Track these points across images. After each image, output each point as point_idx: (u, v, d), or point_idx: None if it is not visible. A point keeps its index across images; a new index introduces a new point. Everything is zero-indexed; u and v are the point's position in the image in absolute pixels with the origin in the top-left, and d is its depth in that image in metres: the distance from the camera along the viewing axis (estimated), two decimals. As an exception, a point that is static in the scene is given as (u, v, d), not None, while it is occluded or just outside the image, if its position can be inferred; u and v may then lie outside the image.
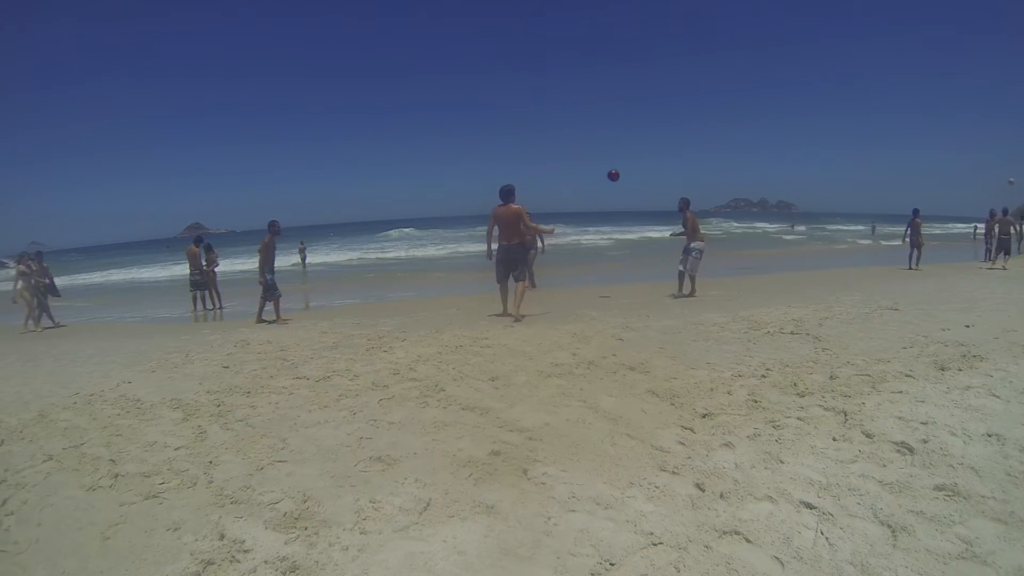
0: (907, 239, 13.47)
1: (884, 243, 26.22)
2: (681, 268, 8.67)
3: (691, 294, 8.46)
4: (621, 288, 10.41)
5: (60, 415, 3.58)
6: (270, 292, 8.14)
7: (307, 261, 21.47)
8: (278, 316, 8.04)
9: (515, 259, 6.80)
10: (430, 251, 27.39)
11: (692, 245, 8.63)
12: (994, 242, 13.84)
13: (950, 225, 47.09)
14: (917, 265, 13.03)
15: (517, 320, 6.40)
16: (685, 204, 8.85)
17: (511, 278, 6.87)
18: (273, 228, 8.26)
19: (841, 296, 7.45)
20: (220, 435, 3.05)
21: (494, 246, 6.87)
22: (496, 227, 6.80)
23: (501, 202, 6.73)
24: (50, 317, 9.77)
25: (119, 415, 3.52)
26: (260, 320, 8.06)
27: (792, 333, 4.98)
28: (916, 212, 13.31)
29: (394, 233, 47.01)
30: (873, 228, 38.08)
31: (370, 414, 3.25)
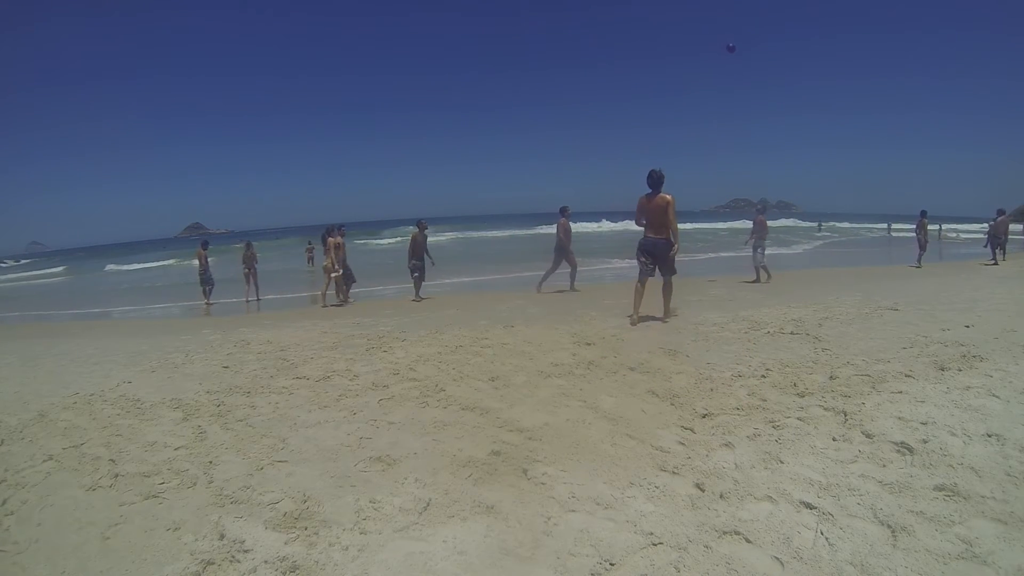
0: (919, 238, 14.01)
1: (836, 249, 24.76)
2: (763, 263, 10.47)
3: (755, 281, 10.26)
4: (621, 287, 10.39)
5: (60, 415, 3.58)
6: (411, 273, 9.98)
7: (315, 262, 21.40)
8: (416, 295, 9.83)
9: (661, 254, 6.13)
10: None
11: (763, 243, 10.56)
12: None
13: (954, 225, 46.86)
14: (918, 263, 13.69)
15: (664, 321, 5.99)
16: (762, 208, 11.04)
17: (656, 274, 6.26)
18: (419, 226, 10.05)
19: (841, 296, 7.45)
20: (220, 435, 3.05)
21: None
22: (643, 220, 6.20)
23: (649, 191, 6.06)
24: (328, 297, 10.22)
25: (119, 415, 3.52)
26: (417, 298, 9.71)
27: (792, 333, 4.98)
28: (923, 213, 14.15)
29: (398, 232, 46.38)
30: (819, 226, 39.40)
31: (370, 414, 3.25)
